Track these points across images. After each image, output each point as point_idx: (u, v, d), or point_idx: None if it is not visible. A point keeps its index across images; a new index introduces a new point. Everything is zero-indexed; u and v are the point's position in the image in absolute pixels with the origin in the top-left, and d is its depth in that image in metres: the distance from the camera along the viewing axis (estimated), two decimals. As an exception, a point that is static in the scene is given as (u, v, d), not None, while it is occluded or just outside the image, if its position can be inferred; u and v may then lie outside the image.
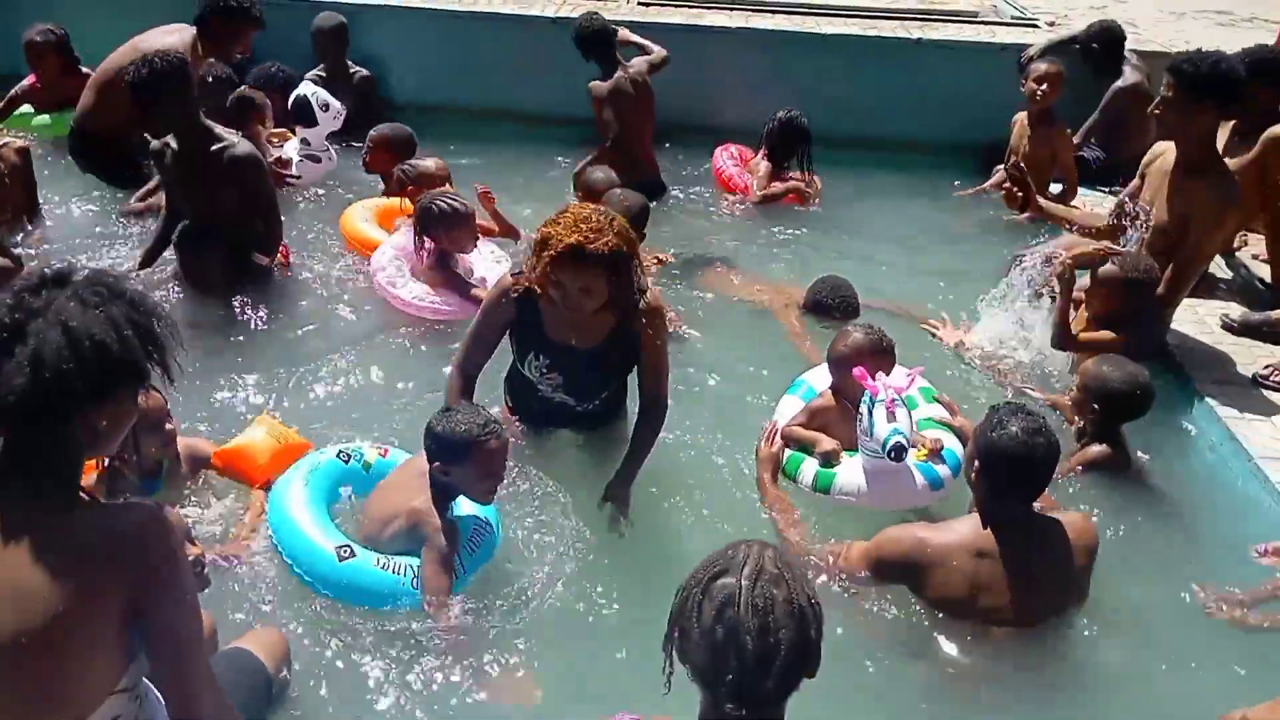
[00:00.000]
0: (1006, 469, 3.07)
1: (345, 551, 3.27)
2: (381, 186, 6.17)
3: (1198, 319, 5.29)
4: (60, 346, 1.86)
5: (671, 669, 1.88)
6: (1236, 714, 2.78)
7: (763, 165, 6.88)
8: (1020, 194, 5.00)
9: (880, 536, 3.28)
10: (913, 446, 3.67)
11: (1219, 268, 5.88)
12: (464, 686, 3.01)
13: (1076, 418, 4.21)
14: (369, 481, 3.60)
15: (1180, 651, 3.31)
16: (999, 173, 6.96)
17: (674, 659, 1.88)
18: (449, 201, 4.95)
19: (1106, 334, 4.50)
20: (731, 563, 1.83)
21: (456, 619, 3.16)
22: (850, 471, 3.76)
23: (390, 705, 2.97)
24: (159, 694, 2.13)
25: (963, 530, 3.19)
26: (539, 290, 3.60)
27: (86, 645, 1.93)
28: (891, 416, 3.55)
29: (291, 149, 6.45)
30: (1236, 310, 5.41)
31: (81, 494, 1.99)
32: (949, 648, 3.17)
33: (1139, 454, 4.13)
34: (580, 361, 3.73)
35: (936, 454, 3.75)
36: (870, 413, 3.61)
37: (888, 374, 3.69)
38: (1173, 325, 5.03)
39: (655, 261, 5.49)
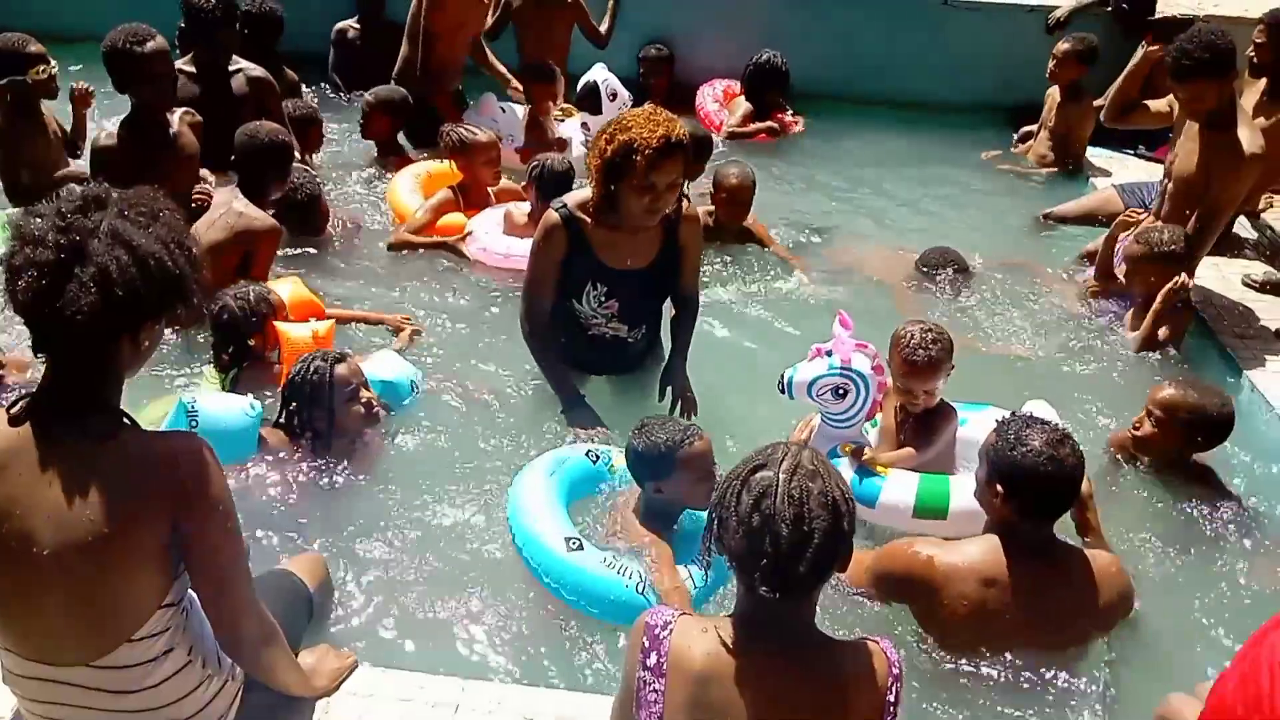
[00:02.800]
0: (1035, 488, 2.76)
1: (574, 544, 3.10)
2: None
3: (1222, 276, 5.33)
4: (127, 265, 1.93)
5: (710, 559, 1.97)
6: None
7: (743, 105, 7.18)
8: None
9: (883, 549, 3.04)
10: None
11: (1244, 228, 5.90)
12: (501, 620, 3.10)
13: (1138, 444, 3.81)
14: (612, 485, 3.48)
15: (1200, 608, 3.25)
16: (1030, 139, 7.08)
17: (712, 548, 1.96)
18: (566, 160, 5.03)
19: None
20: (770, 458, 1.91)
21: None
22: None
23: (426, 631, 3.05)
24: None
25: (973, 553, 2.84)
26: (590, 220, 3.67)
27: (130, 564, 2.03)
28: (810, 359, 3.45)
29: (571, 129, 6.44)
30: (1260, 270, 5.45)
31: (124, 419, 2.07)
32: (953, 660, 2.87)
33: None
34: (635, 284, 3.80)
35: (854, 456, 3.48)
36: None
37: (921, 386, 3.50)
38: (1197, 281, 5.05)
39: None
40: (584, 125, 6.41)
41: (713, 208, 5.39)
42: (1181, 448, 3.72)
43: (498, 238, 5.11)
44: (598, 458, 3.51)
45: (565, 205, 3.74)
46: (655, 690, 1.93)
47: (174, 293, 2.03)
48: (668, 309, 4.08)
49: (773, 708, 1.88)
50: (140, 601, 2.08)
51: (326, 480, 3.47)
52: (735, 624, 1.95)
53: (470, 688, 2.67)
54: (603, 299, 3.82)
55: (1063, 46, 6.67)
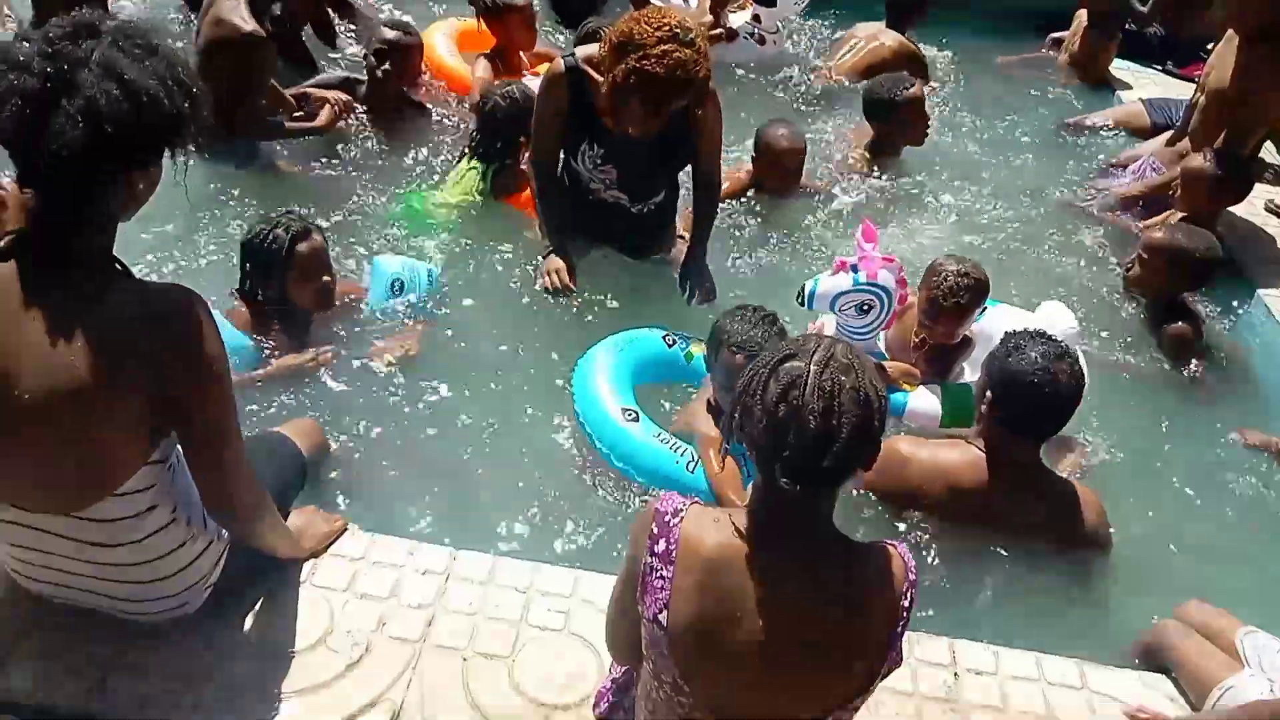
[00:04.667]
0: (1024, 398, 2.72)
1: (630, 415, 3.12)
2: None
3: (1245, 201, 5.17)
4: (118, 99, 1.79)
5: (729, 446, 1.88)
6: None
7: None
8: None
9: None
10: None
11: (1269, 153, 5.75)
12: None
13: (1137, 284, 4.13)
14: (687, 374, 3.44)
15: (1209, 530, 3.28)
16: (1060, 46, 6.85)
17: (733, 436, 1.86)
18: None
19: None
20: (801, 349, 1.80)
21: None
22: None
23: (420, 500, 3.01)
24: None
25: (950, 458, 2.84)
26: (597, 76, 3.46)
27: (115, 416, 1.92)
28: (834, 273, 3.30)
29: (741, 19, 6.09)
30: (1285, 196, 5.33)
31: (117, 264, 1.96)
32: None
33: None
34: (634, 153, 3.62)
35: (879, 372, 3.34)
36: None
37: (941, 328, 3.39)
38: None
39: None
40: (755, 18, 6.12)
41: (752, 170, 4.70)
42: (1166, 285, 4.05)
43: None
44: (674, 342, 3.45)
45: (574, 55, 3.58)
46: (662, 577, 1.85)
47: (170, 133, 1.89)
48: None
49: (788, 600, 1.81)
50: (124, 455, 1.99)
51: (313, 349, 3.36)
52: (750, 515, 1.87)
53: (461, 557, 2.62)
54: (599, 160, 3.66)
55: None
